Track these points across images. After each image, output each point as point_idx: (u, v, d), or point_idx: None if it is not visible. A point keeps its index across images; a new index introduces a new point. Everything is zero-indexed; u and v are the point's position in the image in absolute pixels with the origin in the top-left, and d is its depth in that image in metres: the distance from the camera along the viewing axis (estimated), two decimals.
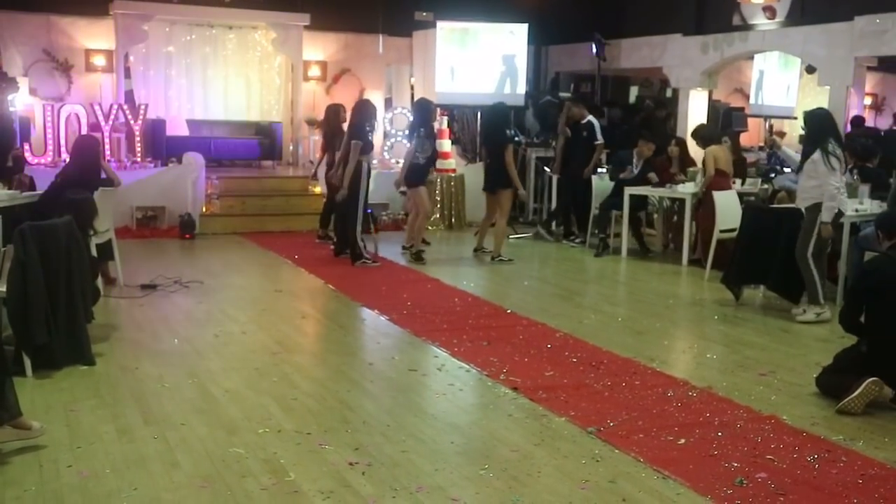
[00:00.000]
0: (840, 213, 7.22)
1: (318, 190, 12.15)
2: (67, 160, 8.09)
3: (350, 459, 4.14)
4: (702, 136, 10.01)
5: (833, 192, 6.93)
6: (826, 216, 7.00)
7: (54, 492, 3.73)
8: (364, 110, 9.42)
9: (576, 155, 11.44)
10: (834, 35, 10.90)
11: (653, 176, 10.17)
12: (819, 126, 7.18)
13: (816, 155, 6.97)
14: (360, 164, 9.17)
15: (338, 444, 4.33)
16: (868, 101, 16.17)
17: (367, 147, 9.32)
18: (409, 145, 9.95)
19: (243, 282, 8.53)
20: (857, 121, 12.47)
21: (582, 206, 11.19)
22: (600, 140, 11.18)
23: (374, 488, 3.84)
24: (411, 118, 9.85)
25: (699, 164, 10.43)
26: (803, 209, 7.19)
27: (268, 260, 9.71)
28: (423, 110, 9.94)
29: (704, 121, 13.25)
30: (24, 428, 4.15)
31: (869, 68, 14.07)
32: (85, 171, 7.67)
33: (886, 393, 5.03)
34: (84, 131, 11.29)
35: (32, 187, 8.55)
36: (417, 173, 9.82)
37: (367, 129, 9.33)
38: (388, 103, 14.24)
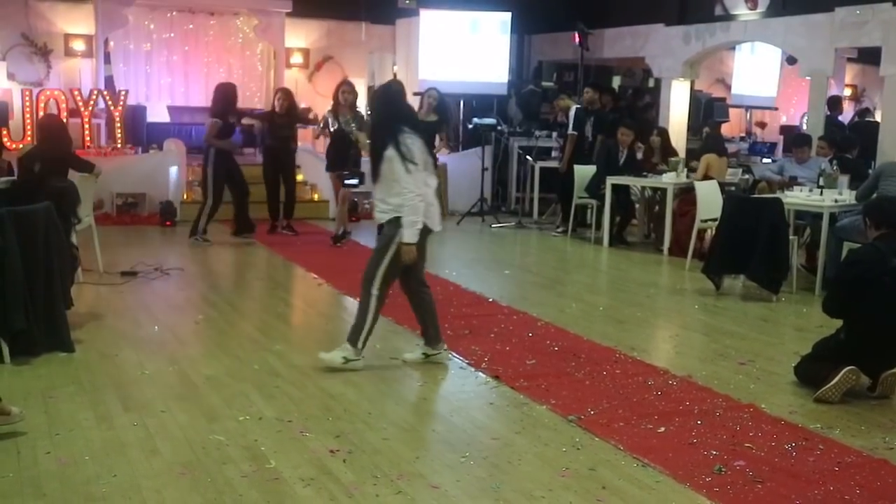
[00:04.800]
0: (427, 230, 5.25)
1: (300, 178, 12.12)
2: (35, 143, 7.99)
3: (331, 447, 4.14)
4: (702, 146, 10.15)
5: (414, 203, 5.07)
6: (409, 236, 5.10)
7: (32, 478, 3.71)
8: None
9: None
10: (814, 26, 10.94)
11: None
12: (386, 108, 5.27)
13: (390, 151, 5.04)
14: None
15: (319, 432, 4.33)
16: (848, 92, 16.26)
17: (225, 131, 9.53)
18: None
19: (224, 269, 8.50)
20: (834, 100, 12.47)
21: (564, 195, 11.22)
22: (572, 130, 11.19)
23: (355, 475, 3.84)
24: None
25: (681, 154, 10.51)
26: (384, 223, 5.28)
27: (249, 247, 9.67)
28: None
29: (686, 111, 13.29)
30: (4, 413, 4.12)
31: (849, 59, 14.17)
32: (56, 149, 7.55)
33: (863, 381, 5.09)
34: (63, 117, 11.18)
35: (11, 173, 8.47)
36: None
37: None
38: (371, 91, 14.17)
